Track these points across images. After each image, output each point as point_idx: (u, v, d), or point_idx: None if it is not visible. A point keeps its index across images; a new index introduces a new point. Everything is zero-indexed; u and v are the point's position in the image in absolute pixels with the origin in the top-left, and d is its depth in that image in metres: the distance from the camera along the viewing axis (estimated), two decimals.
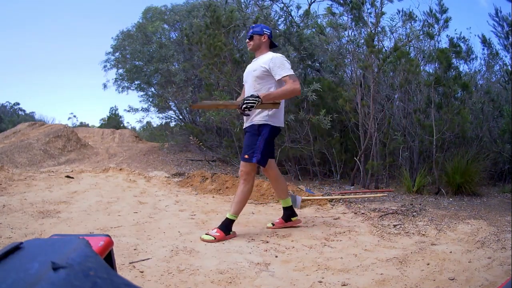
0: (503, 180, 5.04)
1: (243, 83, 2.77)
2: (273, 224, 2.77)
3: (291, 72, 2.48)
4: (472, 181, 4.06)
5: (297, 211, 3.35)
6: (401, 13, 5.09)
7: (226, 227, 2.48)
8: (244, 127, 2.69)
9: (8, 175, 4.61)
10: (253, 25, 2.80)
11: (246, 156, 2.50)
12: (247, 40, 2.68)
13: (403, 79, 4.78)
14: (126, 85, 9.01)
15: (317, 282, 1.72)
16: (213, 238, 2.37)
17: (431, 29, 4.78)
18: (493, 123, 5.28)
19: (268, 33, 2.63)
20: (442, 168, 4.39)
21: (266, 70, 2.50)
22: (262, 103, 2.36)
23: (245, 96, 2.44)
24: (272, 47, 2.73)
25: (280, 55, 2.57)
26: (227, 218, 2.50)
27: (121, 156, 7.74)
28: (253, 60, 2.72)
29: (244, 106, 2.33)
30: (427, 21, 4.84)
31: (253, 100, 2.34)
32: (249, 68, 2.68)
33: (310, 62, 5.85)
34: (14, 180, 4.40)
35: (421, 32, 4.93)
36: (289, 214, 2.78)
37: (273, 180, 2.78)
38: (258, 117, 2.55)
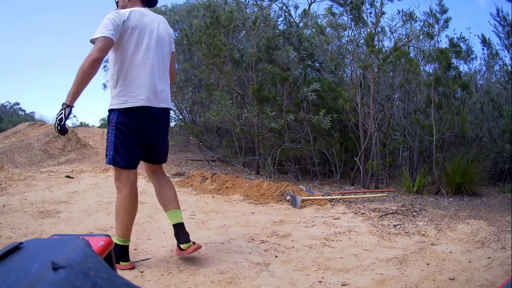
0: (503, 180, 5.04)
1: None
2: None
3: (102, 33, 1.75)
4: (472, 181, 4.06)
5: (297, 211, 3.35)
6: (401, 13, 5.10)
7: (121, 256, 1.86)
8: None
9: (8, 175, 4.61)
10: None
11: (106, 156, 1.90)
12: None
13: (403, 79, 4.78)
14: None
15: (317, 282, 1.72)
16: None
17: (431, 29, 4.78)
18: (493, 123, 5.28)
19: None
20: (442, 168, 4.39)
21: None
22: (71, 106, 1.72)
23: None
24: (149, 5, 2.07)
25: (114, 11, 1.86)
26: (115, 244, 1.83)
27: None
28: None
29: (57, 126, 1.71)
30: (427, 21, 4.84)
31: (59, 113, 1.70)
32: None
33: (310, 62, 5.85)
34: (14, 180, 4.40)
35: (421, 32, 4.93)
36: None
37: (156, 187, 2.17)
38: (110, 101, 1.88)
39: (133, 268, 1.87)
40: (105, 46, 1.76)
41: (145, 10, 1.97)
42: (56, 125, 1.71)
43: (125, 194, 1.91)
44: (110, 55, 1.88)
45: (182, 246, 1.90)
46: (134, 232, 2.53)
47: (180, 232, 1.93)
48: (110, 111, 1.87)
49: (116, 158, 1.85)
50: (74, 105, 1.73)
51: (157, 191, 2.12)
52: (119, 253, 1.84)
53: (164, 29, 1.97)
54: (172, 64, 2.06)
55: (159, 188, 2.10)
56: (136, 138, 1.87)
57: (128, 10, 1.87)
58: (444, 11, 4.68)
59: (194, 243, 1.92)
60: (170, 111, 2.02)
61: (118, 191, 1.93)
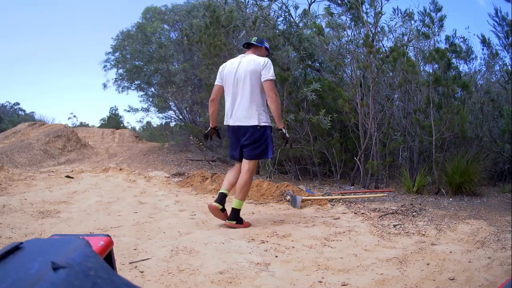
0: (503, 180, 5.03)
1: None
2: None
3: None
4: (472, 181, 4.06)
5: (297, 211, 3.36)
6: (397, 11, 5.10)
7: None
8: None
9: (8, 175, 4.61)
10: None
11: None
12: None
13: (402, 79, 4.78)
14: (126, 85, 9.02)
15: (317, 282, 1.72)
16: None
17: (431, 28, 4.78)
18: (493, 123, 5.28)
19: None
20: (442, 168, 4.39)
21: None
22: (211, 127, 3.10)
23: None
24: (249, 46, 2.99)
25: None
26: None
27: (121, 156, 7.75)
28: None
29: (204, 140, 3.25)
30: (424, 21, 4.85)
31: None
32: None
33: (310, 62, 5.85)
34: (14, 180, 4.40)
35: (419, 33, 4.93)
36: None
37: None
38: None
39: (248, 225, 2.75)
40: (213, 89, 2.91)
41: (239, 57, 2.84)
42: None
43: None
44: None
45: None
46: (134, 232, 2.54)
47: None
48: None
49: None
50: (212, 126, 3.01)
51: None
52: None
53: (244, 68, 2.71)
54: (266, 89, 2.69)
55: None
56: (232, 142, 2.88)
57: (225, 63, 2.89)
58: (438, 9, 4.68)
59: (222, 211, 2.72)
60: (252, 126, 2.70)
61: None
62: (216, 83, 2.86)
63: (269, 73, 2.67)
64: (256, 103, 2.68)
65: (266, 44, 2.95)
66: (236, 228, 2.66)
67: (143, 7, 10.06)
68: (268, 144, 2.73)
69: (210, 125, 2.97)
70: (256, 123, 2.67)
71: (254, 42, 2.89)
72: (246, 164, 2.74)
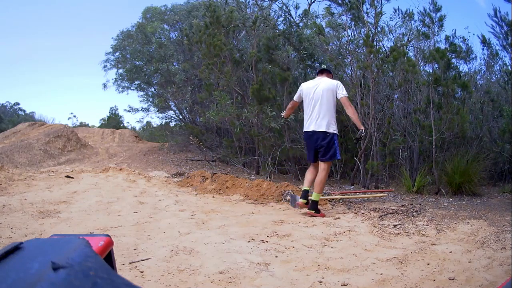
0: (503, 180, 5.03)
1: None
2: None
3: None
4: (472, 181, 4.06)
5: (297, 211, 3.36)
6: (397, 11, 5.10)
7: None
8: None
9: (8, 175, 4.61)
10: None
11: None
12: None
13: (402, 79, 4.78)
14: (126, 85, 9.02)
15: (317, 282, 1.72)
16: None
17: (431, 28, 4.78)
18: (493, 123, 5.28)
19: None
20: (442, 168, 4.39)
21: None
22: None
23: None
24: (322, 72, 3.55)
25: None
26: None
27: (121, 156, 7.74)
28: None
29: None
30: (424, 21, 4.85)
31: None
32: None
33: (310, 62, 5.85)
34: (14, 180, 4.40)
35: (419, 33, 4.93)
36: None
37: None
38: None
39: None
40: (290, 103, 3.68)
41: (316, 79, 3.43)
42: None
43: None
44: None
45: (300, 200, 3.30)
46: (134, 232, 2.54)
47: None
48: None
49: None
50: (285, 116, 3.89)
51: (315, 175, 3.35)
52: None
53: (321, 88, 3.31)
54: (344, 103, 3.29)
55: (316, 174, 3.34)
56: (308, 146, 3.42)
57: (304, 83, 3.51)
58: (437, 9, 4.68)
59: (307, 202, 3.24)
60: (323, 132, 3.26)
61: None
62: (294, 99, 3.55)
63: (343, 91, 3.30)
64: (328, 115, 3.27)
65: (329, 69, 3.69)
66: (314, 216, 3.14)
67: (143, 7, 10.05)
68: (336, 148, 3.26)
69: (284, 116, 3.84)
70: (326, 130, 3.25)
71: (326, 68, 3.61)
72: (322, 164, 3.27)
